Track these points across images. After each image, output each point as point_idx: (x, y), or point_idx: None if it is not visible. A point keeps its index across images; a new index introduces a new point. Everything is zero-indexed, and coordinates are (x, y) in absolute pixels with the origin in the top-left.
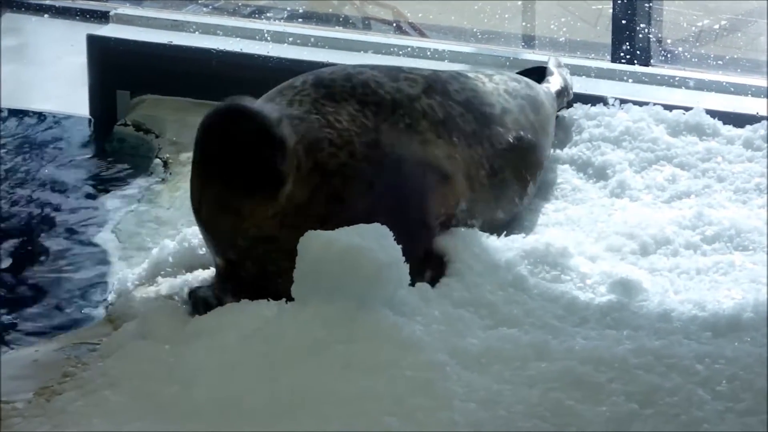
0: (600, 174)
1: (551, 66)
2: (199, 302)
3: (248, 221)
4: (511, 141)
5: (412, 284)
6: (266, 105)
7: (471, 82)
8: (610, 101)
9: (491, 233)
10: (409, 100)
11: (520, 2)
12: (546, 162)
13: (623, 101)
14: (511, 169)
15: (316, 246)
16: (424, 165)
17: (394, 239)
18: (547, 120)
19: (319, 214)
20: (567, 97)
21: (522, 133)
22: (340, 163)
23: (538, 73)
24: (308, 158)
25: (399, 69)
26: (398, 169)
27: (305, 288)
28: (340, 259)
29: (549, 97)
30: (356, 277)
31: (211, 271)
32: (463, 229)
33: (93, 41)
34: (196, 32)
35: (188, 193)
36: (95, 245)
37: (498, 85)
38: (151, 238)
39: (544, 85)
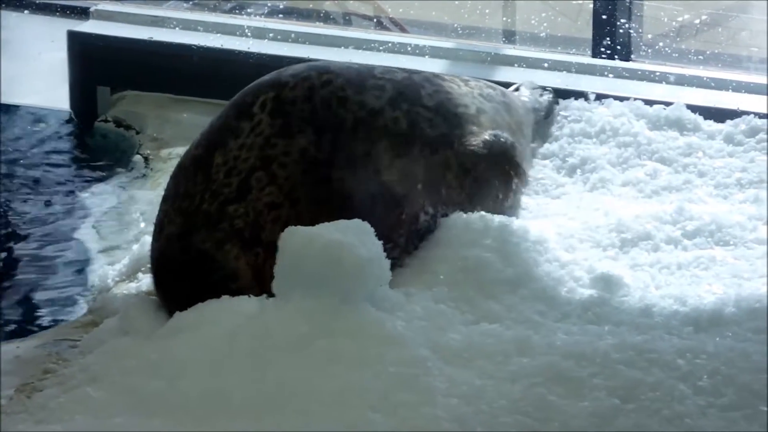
0: (580, 169)
1: (522, 88)
2: None
3: None
4: (487, 138)
5: None
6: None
7: (446, 84)
8: (591, 96)
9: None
10: (371, 115)
11: None
12: (527, 162)
13: (604, 96)
14: (486, 166)
15: (298, 242)
16: (374, 195)
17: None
18: (523, 123)
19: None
20: (540, 114)
21: (499, 131)
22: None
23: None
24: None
25: (371, 72)
26: (346, 206)
27: (286, 284)
28: (321, 255)
29: (524, 105)
30: (338, 273)
31: None
32: (442, 228)
33: (73, 37)
34: (177, 28)
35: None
36: (76, 241)
37: (473, 89)
38: (131, 234)
39: (519, 98)
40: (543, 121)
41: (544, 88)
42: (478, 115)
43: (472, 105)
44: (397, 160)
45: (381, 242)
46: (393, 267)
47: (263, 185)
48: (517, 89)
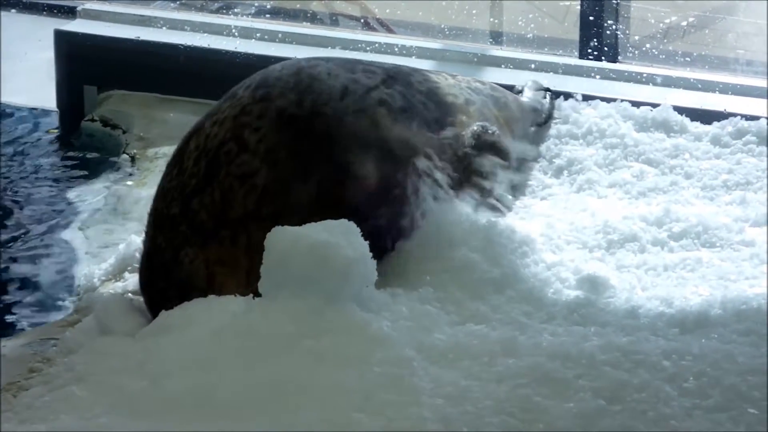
0: (567, 170)
1: (526, 88)
2: None
3: None
4: (476, 129)
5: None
6: None
7: (433, 76)
8: (578, 98)
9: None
10: (365, 89)
11: None
12: (512, 161)
13: (591, 98)
14: (475, 156)
15: (284, 242)
16: (370, 148)
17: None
18: (513, 120)
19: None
20: (540, 117)
21: (487, 123)
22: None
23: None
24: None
25: (358, 61)
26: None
27: (273, 284)
28: (307, 255)
29: (519, 104)
30: (324, 273)
31: None
32: (428, 228)
33: (60, 36)
34: (164, 28)
35: (155, 189)
36: (62, 241)
37: (460, 82)
38: (117, 233)
39: (518, 96)
40: (544, 125)
41: (547, 90)
42: (467, 106)
43: (460, 95)
44: (396, 125)
45: (367, 243)
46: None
47: (232, 158)
48: (520, 91)
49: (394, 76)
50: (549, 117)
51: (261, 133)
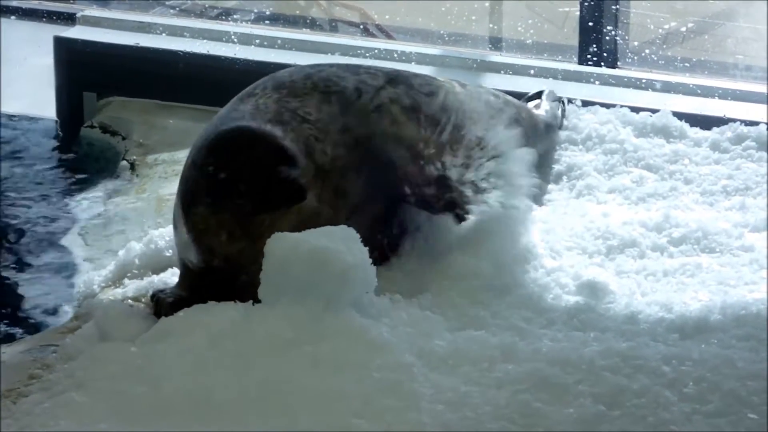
0: (567, 176)
1: (544, 98)
2: (163, 305)
3: (265, 238)
4: (480, 135)
5: None
6: (263, 125)
7: (436, 81)
8: (577, 103)
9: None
10: (374, 89)
11: (487, 4)
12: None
13: (590, 103)
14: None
15: (283, 248)
16: (397, 142)
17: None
18: (524, 134)
19: (329, 215)
20: (554, 133)
21: (494, 131)
22: (331, 158)
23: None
24: (309, 164)
25: (358, 66)
26: (376, 149)
27: (272, 289)
28: (307, 261)
29: (531, 116)
30: (323, 279)
31: (173, 273)
32: (428, 235)
33: (60, 43)
34: (163, 34)
35: (154, 195)
36: (62, 247)
37: (470, 90)
38: (117, 240)
39: (533, 110)
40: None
41: (560, 100)
42: (471, 113)
43: (467, 101)
44: (410, 123)
45: (367, 249)
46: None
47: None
48: (538, 95)
49: (395, 78)
50: (560, 127)
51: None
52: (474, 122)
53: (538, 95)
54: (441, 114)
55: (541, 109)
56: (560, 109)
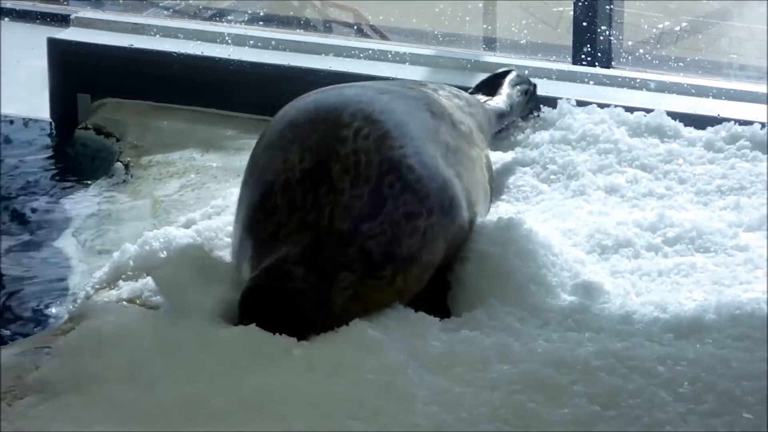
0: (561, 176)
1: (506, 81)
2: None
3: None
4: (485, 160)
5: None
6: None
7: (442, 101)
8: (572, 103)
9: None
10: (434, 132)
11: (481, 4)
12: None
13: (584, 103)
14: (489, 186)
15: None
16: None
17: None
18: (483, 128)
19: None
20: (509, 118)
21: (487, 150)
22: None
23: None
24: None
25: (406, 94)
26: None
27: None
28: None
29: (486, 113)
30: None
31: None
32: None
33: (54, 44)
34: (157, 35)
35: (149, 196)
36: (56, 249)
37: (452, 100)
38: (111, 241)
39: (486, 103)
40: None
41: (528, 84)
42: (470, 133)
43: (465, 122)
44: (462, 170)
45: None
46: None
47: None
48: (504, 75)
49: (432, 110)
50: (525, 115)
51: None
52: (458, 133)
53: (504, 75)
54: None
55: (502, 94)
56: (527, 92)
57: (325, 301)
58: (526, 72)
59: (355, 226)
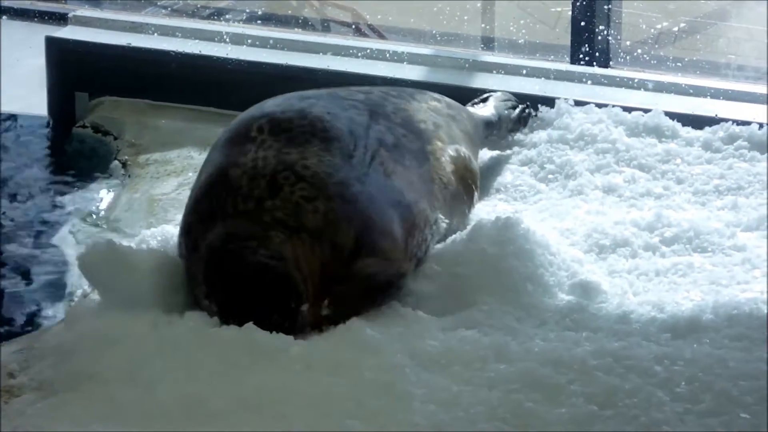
0: (559, 175)
1: (492, 97)
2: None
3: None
4: (452, 153)
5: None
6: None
7: (401, 102)
8: (569, 103)
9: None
10: (364, 130)
11: (479, 4)
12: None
13: (582, 103)
14: (456, 180)
15: None
16: (392, 196)
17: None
18: (470, 135)
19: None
20: (497, 129)
21: (457, 145)
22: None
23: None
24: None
25: (337, 95)
26: (372, 204)
27: None
28: None
29: (471, 117)
30: None
31: None
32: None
33: (51, 43)
34: (155, 34)
35: (146, 195)
36: (53, 247)
37: (421, 103)
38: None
39: (470, 109)
40: (504, 133)
41: (516, 101)
42: (436, 130)
43: (428, 120)
44: (398, 167)
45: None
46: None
47: (293, 182)
48: (485, 100)
49: (374, 110)
50: (515, 127)
51: (311, 170)
52: (441, 141)
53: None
54: (416, 143)
55: (487, 108)
56: (515, 111)
57: (279, 252)
58: (524, 72)
59: (257, 205)
